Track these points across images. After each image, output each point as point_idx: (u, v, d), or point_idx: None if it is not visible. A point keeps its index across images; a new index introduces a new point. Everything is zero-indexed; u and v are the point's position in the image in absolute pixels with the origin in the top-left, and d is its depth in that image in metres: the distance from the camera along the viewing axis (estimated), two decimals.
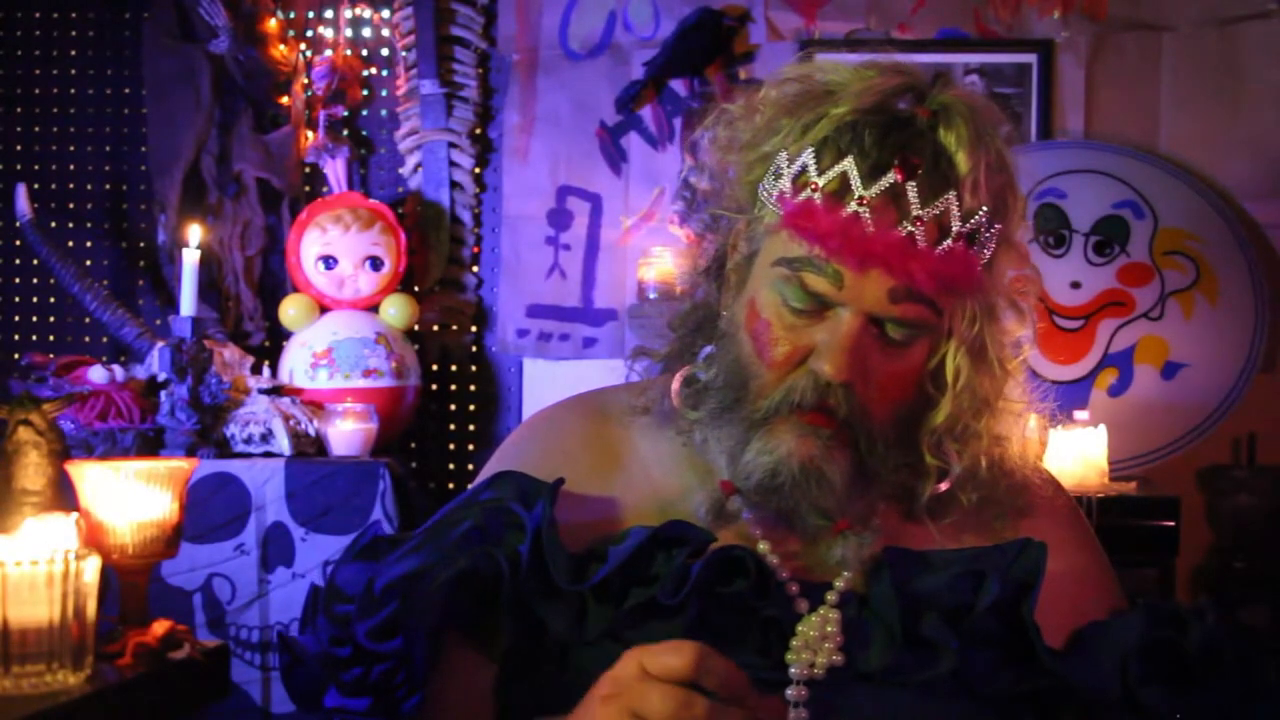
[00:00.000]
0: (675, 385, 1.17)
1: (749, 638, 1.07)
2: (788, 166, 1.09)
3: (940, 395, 1.12)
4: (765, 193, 1.12)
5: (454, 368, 3.20)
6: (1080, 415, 2.69)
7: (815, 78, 1.12)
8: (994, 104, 1.14)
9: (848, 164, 1.05)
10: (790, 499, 1.08)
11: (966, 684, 1.06)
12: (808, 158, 1.07)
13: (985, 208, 1.06)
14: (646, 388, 1.22)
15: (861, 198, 1.04)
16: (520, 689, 1.11)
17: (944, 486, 1.14)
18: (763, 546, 1.12)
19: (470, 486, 1.19)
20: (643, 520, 1.12)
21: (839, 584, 1.10)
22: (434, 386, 3.17)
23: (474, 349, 3.19)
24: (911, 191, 1.04)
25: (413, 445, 3.16)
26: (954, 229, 1.05)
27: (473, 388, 3.20)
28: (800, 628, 1.07)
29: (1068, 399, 2.81)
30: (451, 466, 3.18)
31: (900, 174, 1.04)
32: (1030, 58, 2.98)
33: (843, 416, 1.07)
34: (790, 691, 1.05)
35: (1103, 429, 2.58)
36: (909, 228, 1.04)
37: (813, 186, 1.07)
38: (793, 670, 1.05)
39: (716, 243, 1.20)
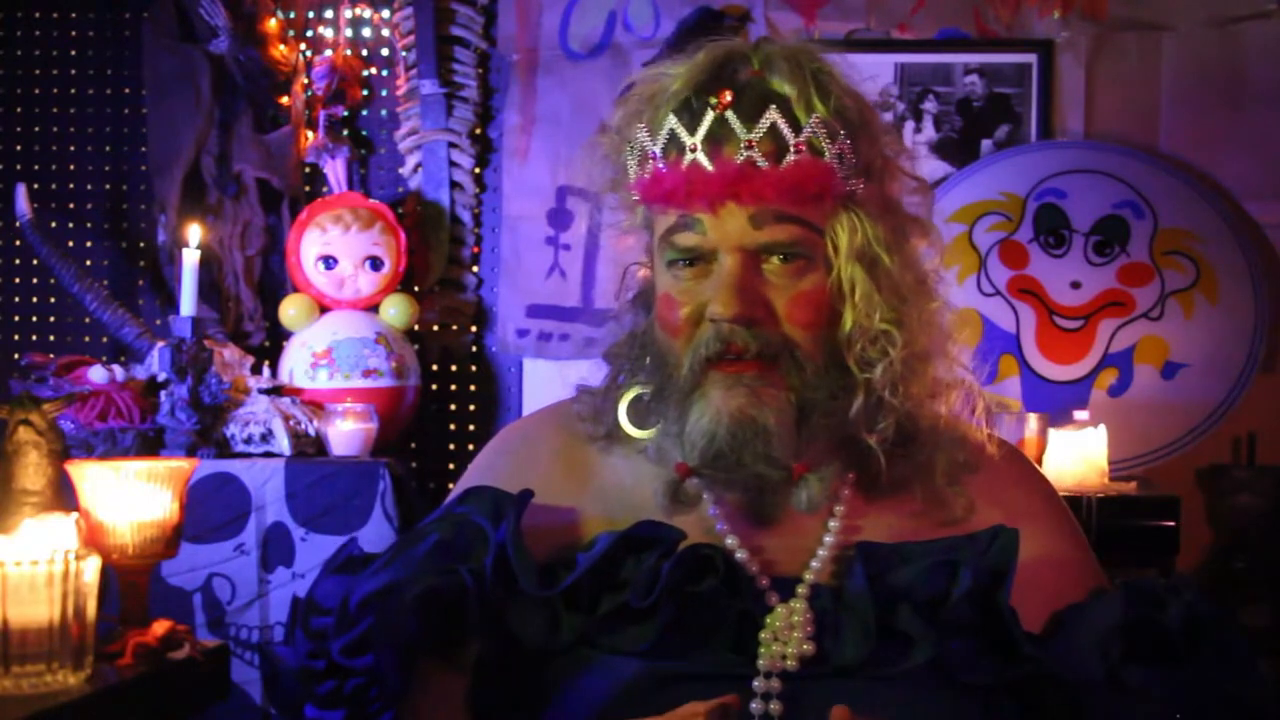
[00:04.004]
0: (621, 411, 1.19)
1: (722, 635, 1.08)
2: (633, 156, 1.14)
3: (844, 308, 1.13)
4: (629, 191, 1.16)
5: (454, 368, 3.20)
6: (1080, 415, 2.70)
7: (654, 78, 1.16)
8: (822, 45, 1.17)
9: (671, 122, 1.10)
10: (735, 456, 1.08)
11: (946, 675, 1.06)
12: (642, 136, 1.12)
13: (816, 116, 1.08)
14: (598, 417, 1.22)
15: (693, 145, 1.09)
16: (493, 700, 1.12)
17: (881, 428, 1.13)
18: (731, 541, 1.13)
19: (445, 501, 1.20)
20: (614, 528, 1.12)
21: (809, 576, 1.11)
22: (434, 386, 3.17)
23: (474, 349, 3.19)
24: (734, 121, 1.08)
25: (413, 445, 3.16)
26: (790, 141, 1.07)
27: (473, 388, 3.20)
28: (768, 619, 1.08)
29: (1068, 399, 2.82)
30: (451, 466, 3.17)
31: (718, 108, 1.08)
32: (1030, 58, 2.98)
33: (755, 353, 1.08)
34: (758, 683, 1.05)
35: (1103, 429, 2.59)
36: (745, 153, 1.07)
37: (652, 157, 1.12)
38: (761, 662, 1.06)
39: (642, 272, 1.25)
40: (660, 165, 1.11)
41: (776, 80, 1.10)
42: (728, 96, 1.08)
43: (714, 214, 1.08)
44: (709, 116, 1.08)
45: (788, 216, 1.08)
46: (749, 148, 1.07)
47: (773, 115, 1.08)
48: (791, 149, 1.07)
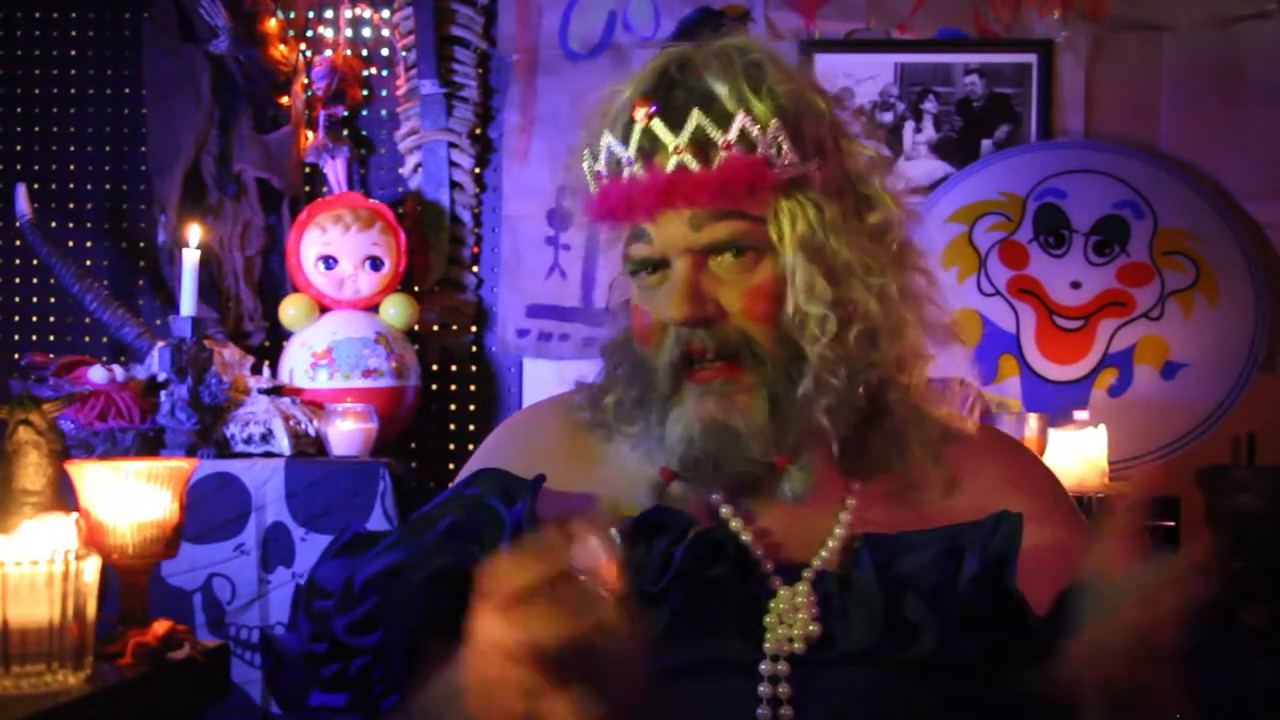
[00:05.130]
0: (609, 409, 1.21)
1: (728, 620, 1.08)
2: (589, 176, 1.17)
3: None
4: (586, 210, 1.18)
5: (454, 368, 3.20)
6: (1080, 415, 2.70)
7: (610, 95, 1.17)
8: (758, 39, 1.19)
9: (607, 139, 1.13)
10: (712, 461, 1.11)
11: (952, 662, 1.06)
12: (587, 158, 1.15)
13: (745, 110, 1.09)
14: (596, 408, 1.23)
15: (628, 159, 1.11)
16: None
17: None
18: (735, 525, 1.14)
19: (452, 484, 1.20)
20: (620, 514, 1.13)
21: (815, 563, 1.12)
22: (434, 386, 3.17)
23: (474, 349, 3.20)
24: (661, 129, 1.10)
25: (413, 445, 3.17)
26: (718, 141, 1.09)
27: (473, 388, 3.20)
28: (772, 603, 1.08)
29: (1068, 399, 2.82)
30: (451, 466, 3.18)
31: (645, 119, 1.10)
32: (1030, 58, 2.98)
33: (715, 352, 1.10)
34: (764, 666, 1.05)
35: (1103, 429, 2.59)
36: (675, 159, 1.09)
37: (597, 176, 1.15)
38: (768, 646, 1.06)
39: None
40: (605, 183, 1.14)
41: (710, 80, 1.12)
42: (645, 110, 1.10)
43: (654, 223, 1.11)
44: (636, 130, 1.11)
45: (725, 213, 1.10)
46: (677, 153, 1.09)
47: (696, 118, 1.09)
48: (720, 148, 1.09)
